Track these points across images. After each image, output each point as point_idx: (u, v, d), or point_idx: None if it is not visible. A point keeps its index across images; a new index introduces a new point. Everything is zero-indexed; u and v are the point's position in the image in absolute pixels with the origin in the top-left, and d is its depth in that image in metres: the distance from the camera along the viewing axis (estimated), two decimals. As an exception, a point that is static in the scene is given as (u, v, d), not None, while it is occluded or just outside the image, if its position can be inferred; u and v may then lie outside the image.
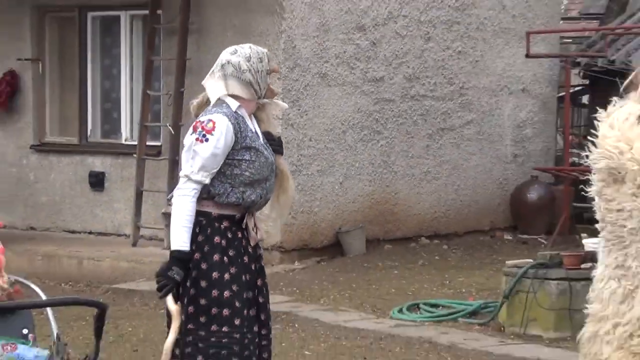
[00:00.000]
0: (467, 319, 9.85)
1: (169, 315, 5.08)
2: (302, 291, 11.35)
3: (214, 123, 4.79)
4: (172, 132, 12.66)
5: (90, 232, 13.75)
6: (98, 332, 4.81)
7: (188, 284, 4.30)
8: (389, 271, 12.29)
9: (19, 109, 14.06)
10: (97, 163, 14.11)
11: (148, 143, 13.15)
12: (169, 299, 4.69)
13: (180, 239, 4.98)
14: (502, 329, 9.31)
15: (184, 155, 5.05)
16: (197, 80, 12.36)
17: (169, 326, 4.96)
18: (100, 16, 14.03)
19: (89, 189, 13.94)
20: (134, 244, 12.83)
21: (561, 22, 19.07)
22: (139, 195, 12.98)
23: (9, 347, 4.78)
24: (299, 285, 11.73)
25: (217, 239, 5.08)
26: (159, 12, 12.93)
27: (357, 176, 13.45)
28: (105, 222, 13.80)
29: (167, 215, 13.37)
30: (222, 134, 4.92)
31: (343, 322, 9.66)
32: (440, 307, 10.32)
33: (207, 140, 4.90)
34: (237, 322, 4.42)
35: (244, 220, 5.13)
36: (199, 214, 5.05)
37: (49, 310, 5.32)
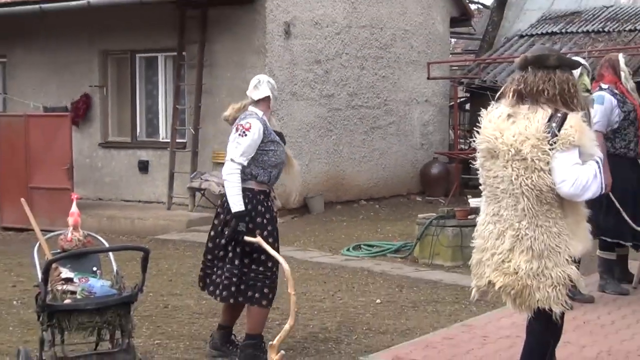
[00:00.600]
0: (393, 254, 10.30)
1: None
2: (282, 238, 11.72)
3: (250, 124, 5.58)
4: (193, 133, 13.33)
5: (139, 201, 14.28)
6: (144, 269, 5.49)
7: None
8: (340, 223, 12.88)
9: (91, 119, 14.67)
10: (144, 154, 14.59)
11: (177, 140, 13.64)
12: (247, 239, 5.46)
13: (237, 202, 5.74)
14: (417, 260, 9.78)
15: (230, 146, 5.77)
16: (210, 97, 14.01)
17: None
18: (145, 57, 14.57)
19: (138, 172, 14.46)
20: (168, 209, 13.44)
21: (450, 55, 19.58)
22: (171, 176, 13.57)
23: (83, 280, 5.47)
24: (280, 234, 12.39)
25: (259, 207, 5.83)
26: (184, 53, 13.42)
27: (317, 160, 14.13)
28: (149, 194, 14.24)
29: (190, 189, 13.96)
30: (256, 132, 5.65)
31: (309, 258, 10.13)
32: (375, 247, 10.72)
33: (246, 135, 5.64)
34: (269, 264, 5.14)
35: (271, 193, 6.05)
36: (245, 190, 5.77)
37: (110, 254, 6.00)
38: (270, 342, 4.41)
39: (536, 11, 17.53)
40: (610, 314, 6.89)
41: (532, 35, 16.22)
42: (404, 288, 8.53)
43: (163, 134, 14.23)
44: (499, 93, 4.63)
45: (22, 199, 7.35)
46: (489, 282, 4.53)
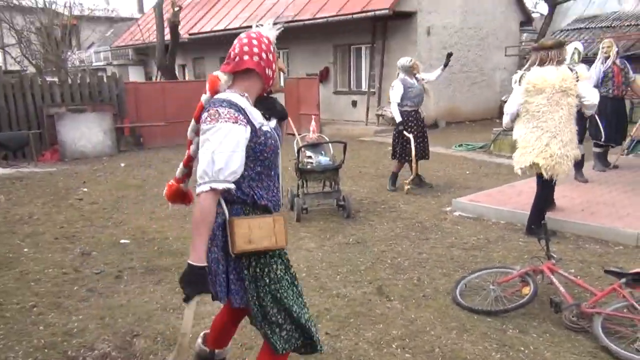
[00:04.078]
0: (479, 149, 10.84)
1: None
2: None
3: (394, 84, 6.94)
4: (378, 86, 14.75)
5: (351, 121, 15.39)
6: (344, 152, 6.16)
7: None
8: (453, 133, 13.41)
9: (329, 80, 16.22)
10: (354, 97, 15.92)
11: (371, 90, 15.06)
12: (404, 133, 6.35)
13: (397, 115, 7.10)
14: (492, 152, 10.28)
15: (391, 93, 6.88)
16: (387, 69, 14.59)
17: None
18: (355, 47, 15.91)
19: (351, 106, 15.85)
20: (366, 124, 14.73)
21: (520, 43, 18.08)
22: (367, 108, 14.91)
23: (316, 156, 6.47)
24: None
25: (409, 122, 7.24)
26: (375, 45, 15.01)
27: (442, 100, 14.93)
28: (357, 117, 15.53)
29: (377, 115, 14.35)
30: (397, 83, 7.01)
31: (435, 151, 10.32)
32: (470, 145, 10.94)
33: (392, 88, 7.07)
34: None
35: (419, 114, 6.97)
36: (402, 111, 7.06)
37: (330, 145, 6.71)
38: None
39: (572, 16, 17.65)
40: (592, 183, 7.31)
41: (568, 30, 16.46)
42: (482, 166, 9.14)
43: (364, 87, 15.72)
44: (529, 62, 5.11)
45: (288, 118, 9.64)
46: (533, 163, 4.97)
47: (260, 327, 2.31)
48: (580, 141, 6.32)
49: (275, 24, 2.35)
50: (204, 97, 2.26)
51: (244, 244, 2.19)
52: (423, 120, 7.23)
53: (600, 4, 18.09)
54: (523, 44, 17.72)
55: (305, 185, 6.37)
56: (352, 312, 3.87)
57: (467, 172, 8.77)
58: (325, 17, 15.07)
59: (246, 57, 2.21)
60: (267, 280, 2.27)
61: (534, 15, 19.95)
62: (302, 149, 6.39)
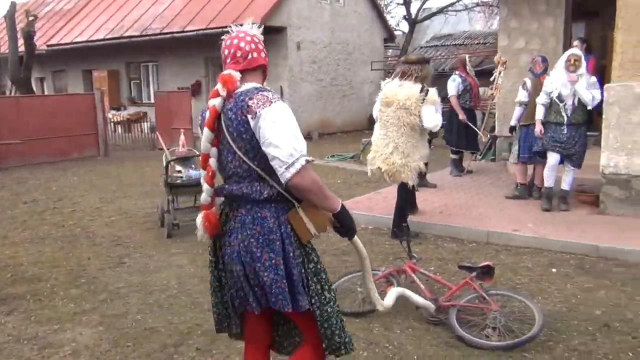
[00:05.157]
0: (350, 158, 11.26)
1: None
2: None
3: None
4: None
5: None
6: None
7: None
8: (325, 144, 13.75)
9: (201, 93, 15.89)
10: None
11: None
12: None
13: None
14: (361, 162, 10.02)
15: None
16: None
17: None
18: None
19: None
20: None
21: (383, 58, 19.23)
22: None
23: (187, 170, 6.35)
24: None
25: None
26: None
27: (314, 112, 15.54)
28: None
29: None
30: None
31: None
32: (342, 155, 11.48)
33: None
34: None
35: None
36: None
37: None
38: None
39: (431, 34, 19.25)
40: (450, 187, 7.85)
41: (426, 47, 17.86)
42: (353, 175, 9.51)
43: None
44: (393, 74, 5.37)
45: (157, 132, 9.64)
46: (379, 168, 5.28)
47: (319, 327, 2.20)
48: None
49: (253, 23, 2.30)
50: (217, 101, 2.16)
51: (309, 233, 2.16)
52: None
53: (454, 23, 19.83)
54: (389, 59, 18.86)
55: (175, 201, 6.29)
56: (224, 325, 3.78)
57: (339, 181, 9.11)
58: (195, 30, 15.02)
59: (255, 55, 2.20)
60: (323, 275, 2.25)
61: (396, 32, 21.24)
62: (171, 163, 6.36)
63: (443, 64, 16.66)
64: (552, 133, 6.09)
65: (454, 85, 8.17)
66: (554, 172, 6.24)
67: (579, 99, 5.89)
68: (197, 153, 6.56)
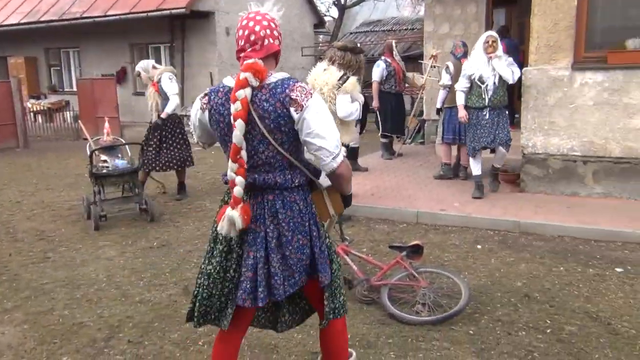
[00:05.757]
0: None
1: None
2: None
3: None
4: (180, 86, 16.37)
5: None
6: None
7: None
8: None
9: (127, 80, 15.57)
10: None
11: None
12: None
13: None
14: None
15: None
16: (188, 68, 14.80)
17: None
18: (153, 46, 15.32)
19: None
20: None
21: (314, 43, 19.01)
22: None
23: (113, 159, 6.24)
24: None
25: None
26: (174, 44, 14.68)
27: None
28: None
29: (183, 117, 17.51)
30: None
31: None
32: None
33: None
34: None
35: None
36: None
37: (127, 146, 6.57)
38: None
39: (360, 20, 19.37)
40: (381, 170, 8.03)
41: (357, 32, 18.08)
42: None
43: None
44: (324, 59, 5.38)
45: (80, 122, 9.27)
46: None
47: (338, 296, 2.41)
48: (360, 132, 7.17)
49: (274, 5, 2.22)
50: (248, 92, 2.09)
51: (328, 214, 2.34)
52: None
53: (383, 9, 20.01)
54: (320, 44, 18.95)
55: (102, 191, 6.13)
56: (157, 316, 3.78)
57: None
58: (118, 15, 14.47)
59: (271, 40, 2.15)
60: (332, 248, 2.43)
61: (326, 18, 21.18)
62: (96, 153, 6.21)
63: (372, 50, 16.90)
64: (475, 121, 6.21)
65: (378, 71, 8.30)
66: (479, 162, 6.35)
67: (499, 78, 5.96)
68: (123, 142, 6.48)
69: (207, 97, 2.24)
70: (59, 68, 17.58)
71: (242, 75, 2.08)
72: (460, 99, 6.30)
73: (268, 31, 2.14)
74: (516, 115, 8.71)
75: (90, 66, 16.33)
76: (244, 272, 2.22)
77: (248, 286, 2.20)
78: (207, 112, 2.23)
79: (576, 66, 6.21)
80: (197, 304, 2.33)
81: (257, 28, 2.12)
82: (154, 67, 6.81)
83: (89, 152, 6.07)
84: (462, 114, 6.24)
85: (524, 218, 5.55)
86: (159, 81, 6.61)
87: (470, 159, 6.39)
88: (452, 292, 3.78)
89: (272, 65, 2.20)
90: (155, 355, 3.29)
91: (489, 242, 5.17)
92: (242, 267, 2.22)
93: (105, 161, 6.19)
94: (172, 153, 6.78)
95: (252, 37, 2.13)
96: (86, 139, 6.76)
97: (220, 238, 2.27)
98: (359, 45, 5.87)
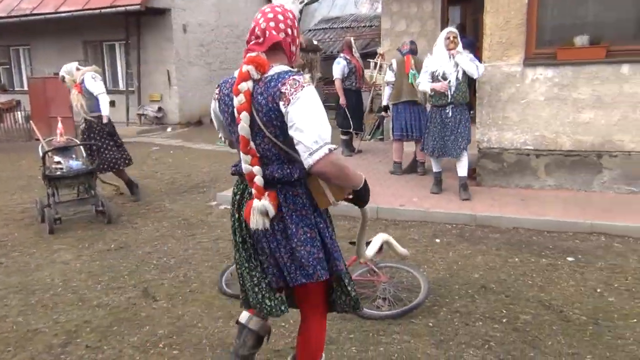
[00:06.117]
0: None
1: None
2: (190, 136, 13.01)
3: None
4: (137, 84, 14.28)
5: None
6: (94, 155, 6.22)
7: None
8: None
9: None
10: (112, 97, 16.88)
11: (130, 89, 14.45)
12: None
13: None
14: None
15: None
16: (144, 65, 14.91)
17: None
18: (108, 44, 15.28)
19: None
20: (127, 125, 14.65)
21: None
22: (127, 108, 14.50)
23: (67, 160, 6.06)
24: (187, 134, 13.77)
25: None
26: (129, 42, 14.45)
27: (204, 97, 14.96)
28: (116, 118, 16.93)
29: (138, 115, 17.28)
30: None
31: (198, 147, 11.14)
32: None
33: None
34: None
35: None
36: None
37: (81, 147, 6.32)
38: None
39: (318, 17, 19.27)
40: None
41: (315, 29, 18.01)
42: None
43: (122, 86, 15.25)
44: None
45: (31, 122, 9.00)
46: None
47: (350, 284, 2.40)
48: None
49: None
50: (250, 84, 2.10)
51: (328, 201, 2.22)
52: None
53: (341, 6, 19.95)
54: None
55: (56, 194, 5.99)
56: (115, 320, 3.73)
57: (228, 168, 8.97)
58: (71, 11, 14.15)
59: (274, 32, 2.13)
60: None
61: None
62: (49, 154, 6.07)
63: (331, 47, 16.92)
64: (438, 120, 6.11)
65: (338, 68, 8.34)
66: (437, 161, 6.33)
67: (463, 73, 5.91)
68: (78, 142, 6.35)
69: (218, 88, 2.30)
70: (8, 67, 17.08)
71: (245, 68, 2.11)
72: (426, 86, 6.16)
73: (272, 24, 2.14)
74: (471, 112, 8.82)
75: (42, 64, 15.85)
76: (263, 260, 2.30)
77: (275, 270, 2.28)
78: (217, 103, 2.31)
79: (528, 62, 6.38)
80: (247, 292, 2.42)
81: (262, 21, 2.14)
82: (77, 69, 6.72)
83: (41, 154, 5.94)
84: (439, 85, 6.02)
85: (480, 211, 5.68)
86: (81, 82, 6.51)
87: (430, 157, 6.38)
88: (412, 286, 3.86)
89: (280, 58, 2.19)
90: (114, 359, 3.22)
91: (447, 236, 5.27)
92: (261, 255, 2.31)
93: (59, 162, 6.06)
94: (103, 155, 6.66)
95: (257, 30, 2.15)
96: (38, 140, 6.55)
97: (235, 229, 2.35)
98: (315, 42, 5.86)
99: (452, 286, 4.10)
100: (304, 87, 2.05)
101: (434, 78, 6.11)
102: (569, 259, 4.61)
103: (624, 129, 6.14)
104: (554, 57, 6.27)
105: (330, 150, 2.06)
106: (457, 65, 5.99)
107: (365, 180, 2.30)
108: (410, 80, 7.04)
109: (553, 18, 6.40)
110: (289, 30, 2.17)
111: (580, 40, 6.16)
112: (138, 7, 13.28)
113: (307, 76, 4.43)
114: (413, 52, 7.03)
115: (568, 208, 5.67)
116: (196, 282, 4.34)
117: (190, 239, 5.40)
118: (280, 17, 2.15)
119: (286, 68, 2.15)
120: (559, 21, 6.39)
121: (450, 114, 6.03)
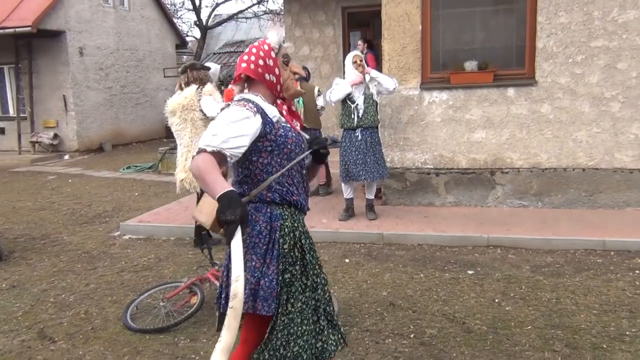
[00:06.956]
0: (148, 169, 10.95)
1: None
2: (88, 166, 12.33)
3: None
4: (29, 110, 13.59)
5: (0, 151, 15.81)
6: None
7: None
8: (120, 156, 13.44)
9: None
10: (1, 124, 15.12)
11: (21, 115, 13.99)
12: None
13: None
14: (160, 172, 10.43)
15: None
16: (37, 90, 14.16)
17: None
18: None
19: None
20: (19, 154, 13.97)
21: (177, 64, 18.29)
22: (19, 136, 13.80)
23: None
24: (86, 163, 13.06)
25: None
26: (20, 65, 13.97)
27: (105, 123, 14.96)
28: (7, 146, 14.46)
29: (31, 142, 16.01)
30: None
31: (101, 175, 10.78)
32: (138, 166, 11.11)
33: None
34: None
35: None
36: None
37: None
38: None
39: (223, 40, 19.44)
40: None
41: (220, 53, 18.06)
42: (151, 186, 9.35)
43: (12, 112, 14.69)
44: (176, 88, 5.38)
45: None
46: (181, 180, 5.30)
47: (273, 335, 2.17)
48: None
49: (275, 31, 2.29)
50: None
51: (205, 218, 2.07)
52: None
53: (246, 30, 20.37)
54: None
55: None
56: (7, 366, 3.41)
57: (136, 194, 8.88)
58: (-48, 33, 13.09)
59: (242, 65, 2.22)
60: (293, 288, 2.27)
61: (188, 38, 21.12)
62: None
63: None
64: (347, 143, 6.08)
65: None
66: (350, 186, 6.29)
67: (371, 96, 5.92)
68: None
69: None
70: None
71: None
72: (340, 90, 6.03)
73: (245, 57, 2.24)
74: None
75: None
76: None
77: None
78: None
79: (424, 86, 6.71)
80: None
81: (243, 55, 2.26)
82: None
83: None
84: (360, 78, 5.97)
85: (387, 230, 5.84)
86: None
87: (342, 183, 6.32)
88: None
89: (257, 87, 2.25)
90: (6, 410, 2.97)
91: (356, 255, 5.37)
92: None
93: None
94: None
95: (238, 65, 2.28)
96: None
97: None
98: (197, 63, 5.88)
99: (362, 305, 4.15)
100: (229, 105, 2.16)
101: (344, 100, 6.10)
102: (469, 272, 4.82)
103: (512, 147, 6.58)
104: (447, 81, 6.63)
105: (203, 150, 2.00)
106: (366, 88, 6.01)
107: (231, 192, 1.87)
108: (296, 107, 7.00)
109: (445, 44, 6.80)
110: (261, 61, 2.21)
111: (470, 65, 6.56)
112: (29, 29, 12.78)
113: (210, 85, 4.18)
114: (302, 78, 6.78)
115: (467, 223, 5.95)
116: (98, 319, 4.13)
117: (91, 273, 5.16)
118: (254, 50, 2.23)
119: (245, 96, 2.19)
120: (451, 47, 6.80)
121: (360, 137, 6.02)
